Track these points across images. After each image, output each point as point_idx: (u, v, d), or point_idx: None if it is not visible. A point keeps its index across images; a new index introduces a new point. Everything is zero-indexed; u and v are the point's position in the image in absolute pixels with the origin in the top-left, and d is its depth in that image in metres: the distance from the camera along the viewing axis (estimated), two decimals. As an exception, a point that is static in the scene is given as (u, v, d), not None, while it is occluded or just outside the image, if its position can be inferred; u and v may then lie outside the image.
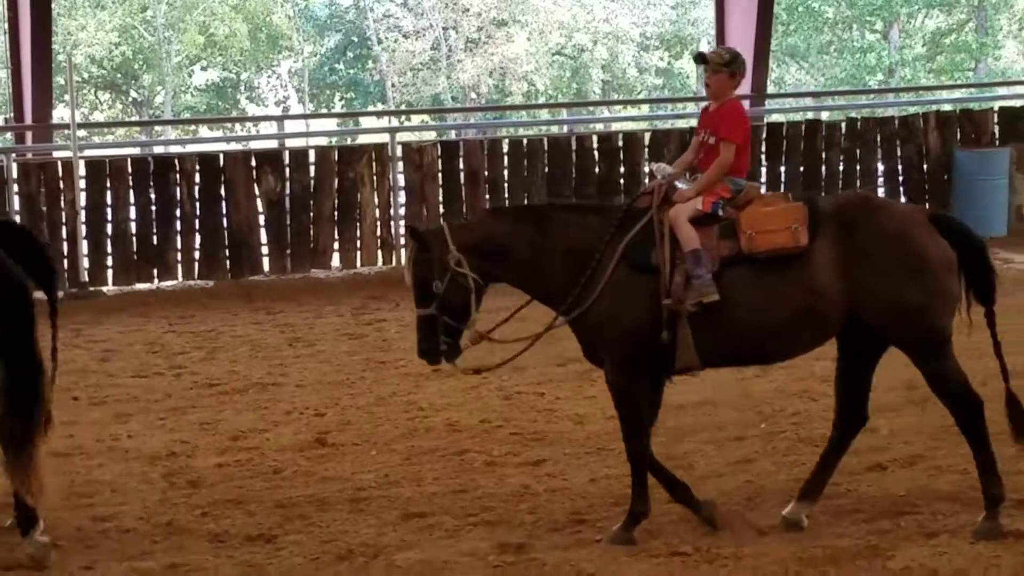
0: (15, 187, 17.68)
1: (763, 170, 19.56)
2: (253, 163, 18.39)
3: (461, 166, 18.91)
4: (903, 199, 20.17)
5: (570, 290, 7.76)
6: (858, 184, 19.95)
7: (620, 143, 19.53)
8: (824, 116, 21.79)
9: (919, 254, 7.66)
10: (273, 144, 21.08)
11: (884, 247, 7.65)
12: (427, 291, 7.76)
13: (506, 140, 19.88)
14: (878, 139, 20.18)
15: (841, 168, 19.91)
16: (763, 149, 19.56)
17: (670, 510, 8.17)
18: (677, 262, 7.67)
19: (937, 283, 7.67)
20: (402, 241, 18.61)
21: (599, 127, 30.56)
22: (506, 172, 19.06)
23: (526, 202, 18.46)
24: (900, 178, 20.22)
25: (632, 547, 7.60)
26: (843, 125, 20.22)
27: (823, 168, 19.78)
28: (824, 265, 7.65)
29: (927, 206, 19.96)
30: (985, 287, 7.84)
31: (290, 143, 21.10)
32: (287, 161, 18.57)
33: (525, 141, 19.47)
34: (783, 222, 7.69)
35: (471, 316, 7.80)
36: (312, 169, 18.58)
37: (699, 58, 8.30)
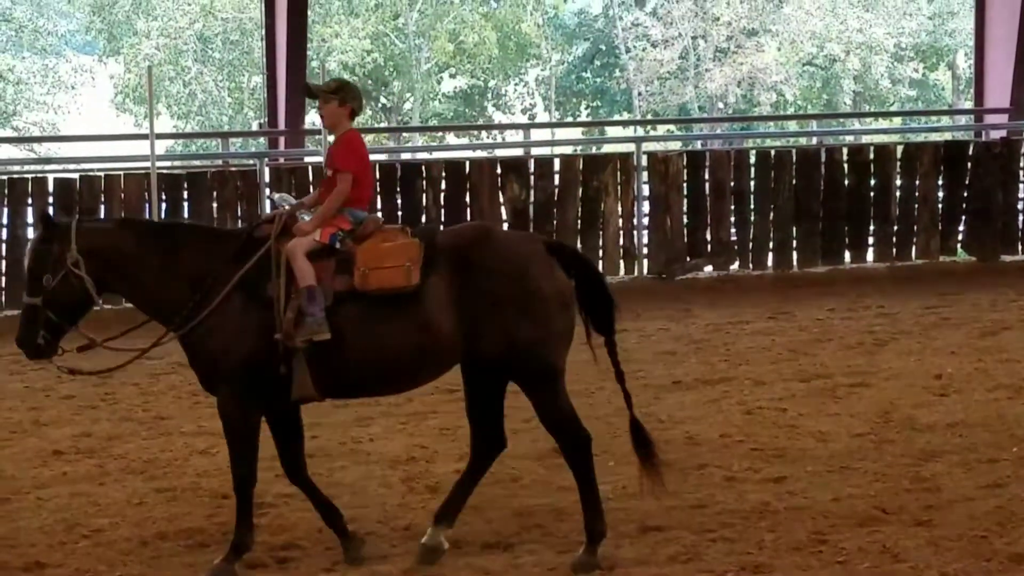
0: (267, 191, 18.02)
1: (1021, 187, 18.98)
2: (499, 170, 18.46)
3: (706, 176, 18.71)
4: None
5: (180, 314, 7.71)
6: None
7: (871, 156, 19.14)
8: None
9: (534, 290, 7.64)
10: (519, 152, 21.16)
11: (498, 283, 7.61)
12: (38, 282, 7.77)
13: (753, 151, 19.61)
14: None
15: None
16: (1022, 165, 18.97)
17: (915, 533, 7.95)
18: (292, 296, 7.59)
19: (552, 319, 7.68)
20: (644, 251, 18.54)
21: (849, 139, 30.04)
22: (752, 183, 18.79)
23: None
24: None
25: (876, 570, 7.39)
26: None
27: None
28: (438, 301, 7.60)
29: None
30: (604, 318, 7.90)
31: (535, 151, 21.16)
32: (532, 169, 18.60)
33: (772, 152, 19.20)
34: (397, 259, 7.63)
35: (78, 318, 7.82)
36: (556, 177, 18.57)
37: (305, 91, 8.30)
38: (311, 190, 17.82)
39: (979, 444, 9.99)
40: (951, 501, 8.61)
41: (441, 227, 8.73)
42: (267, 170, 18.24)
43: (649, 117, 46.70)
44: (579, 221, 18.46)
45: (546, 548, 7.93)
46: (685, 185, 18.61)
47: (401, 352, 7.68)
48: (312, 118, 25.32)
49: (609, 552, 7.81)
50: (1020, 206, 19.05)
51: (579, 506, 8.65)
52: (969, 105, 26.46)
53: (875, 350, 13.61)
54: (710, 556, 7.73)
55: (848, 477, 9.23)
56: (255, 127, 26.92)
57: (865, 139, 31.53)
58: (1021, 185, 19.01)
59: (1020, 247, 18.98)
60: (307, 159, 19.41)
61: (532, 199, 18.40)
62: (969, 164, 18.85)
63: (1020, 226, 19.04)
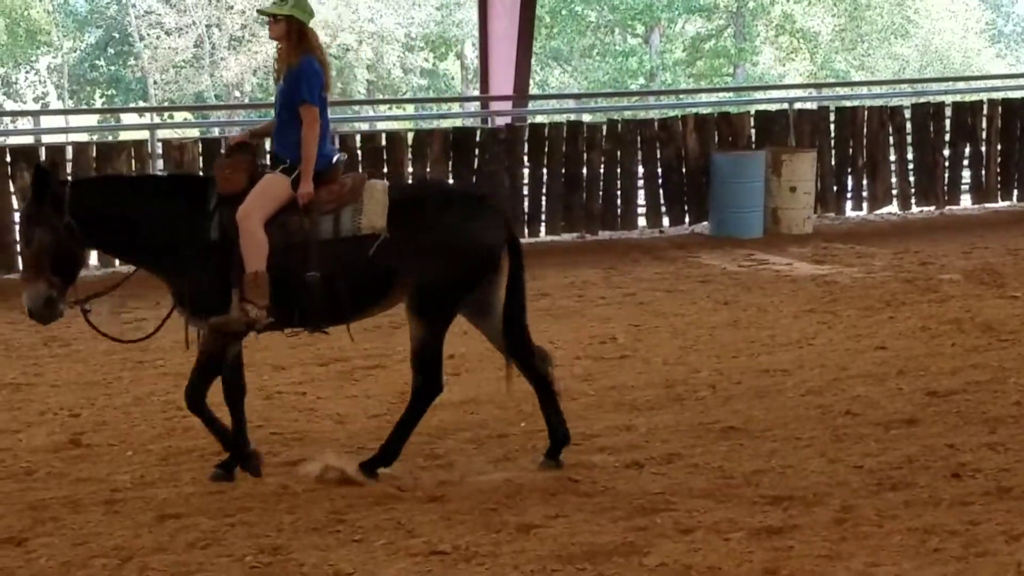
0: None
1: (525, 171, 19.65)
2: (8, 159, 17.87)
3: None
4: (663, 201, 20.42)
5: None
6: (619, 185, 20.13)
7: (384, 142, 19.43)
8: (587, 118, 21.96)
9: None
10: (30, 140, 20.57)
11: None
12: None
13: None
14: (638, 141, 20.33)
15: (602, 170, 20.05)
16: (526, 150, 19.65)
17: (430, 508, 8.18)
18: None
19: None
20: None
21: (364, 127, 30.48)
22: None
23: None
24: (660, 180, 20.40)
25: (392, 546, 7.59)
26: (604, 127, 20.38)
27: (584, 170, 19.90)
28: None
29: (686, 208, 20.38)
30: None
31: (48, 139, 20.60)
32: (43, 157, 18.10)
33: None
34: None
35: None
36: (70, 166, 18.14)
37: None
38: None
39: (489, 420, 10.35)
40: (463, 476, 8.89)
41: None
42: None
43: (165, 105, 46.09)
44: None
45: (61, 541, 7.79)
46: (201, 173, 18.46)
47: None
48: None
49: (126, 542, 7.75)
50: (525, 190, 19.67)
51: (96, 498, 8.59)
52: (476, 93, 27.14)
53: (392, 332, 13.85)
54: (229, 540, 7.75)
55: (361, 457, 9.37)
56: None
57: (380, 126, 32.03)
58: (525, 170, 19.64)
59: (525, 229, 19.61)
60: None
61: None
62: (476, 150, 19.40)
63: (525, 209, 19.68)
